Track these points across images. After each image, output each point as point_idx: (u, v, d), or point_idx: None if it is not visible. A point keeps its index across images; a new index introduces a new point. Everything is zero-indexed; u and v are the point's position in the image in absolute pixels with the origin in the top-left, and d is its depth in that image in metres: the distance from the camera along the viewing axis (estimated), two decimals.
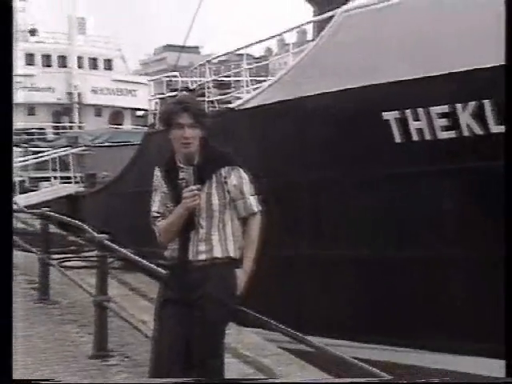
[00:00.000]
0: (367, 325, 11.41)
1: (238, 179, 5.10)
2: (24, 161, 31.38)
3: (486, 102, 9.83)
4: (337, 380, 6.14)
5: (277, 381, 5.10)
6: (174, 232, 5.09)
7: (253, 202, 5.17)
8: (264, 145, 12.60)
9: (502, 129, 9.75)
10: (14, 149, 34.88)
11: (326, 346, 4.79)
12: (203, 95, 18.05)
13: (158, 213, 5.18)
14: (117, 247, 8.32)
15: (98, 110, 42.76)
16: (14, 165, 30.94)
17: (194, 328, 5.00)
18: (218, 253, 5.07)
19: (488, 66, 9.55)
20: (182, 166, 5.07)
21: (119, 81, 43.94)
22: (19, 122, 40.27)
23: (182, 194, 4.97)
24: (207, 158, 5.09)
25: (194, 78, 20.57)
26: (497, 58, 9.49)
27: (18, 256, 14.17)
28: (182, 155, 5.07)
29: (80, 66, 43.16)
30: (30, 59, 43.10)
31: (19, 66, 42.61)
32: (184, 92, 19.55)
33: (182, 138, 5.00)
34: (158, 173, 5.24)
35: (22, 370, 7.86)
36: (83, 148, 29.37)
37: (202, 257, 5.04)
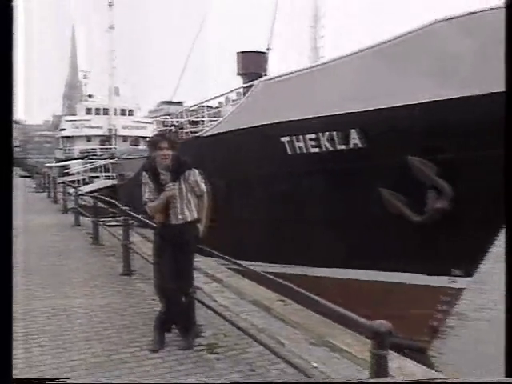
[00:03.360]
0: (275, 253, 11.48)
1: (194, 176, 5.11)
2: (85, 167, 31.93)
3: (335, 133, 9.93)
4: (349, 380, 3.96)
5: (280, 381, 4.45)
6: (159, 210, 5.07)
7: (203, 186, 5.17)
8: (216, 157, 12.53)
9: (343, 147, 9.84)
10: (80, 161, 34.39)
11: (248, 266, 4.76)
12: (183, 128, 17.98)
13: (147, 199, 5.12)
14: (135, 214, 8.24)
15: (125, 138, 42.15)
16: (79, 170, 30.81)
17: (177, 258, 5.02)
18: (189, 218, 5.08)
19: (339, 113, 9.65)
20: (161, 171, 5.07)
21: (137, 121, 43.53)
22: (81, 146, 39.93)
23: (164, 188, 5.00)
24: (177, 166, 5.07)
25: (178, 119, 20.45)
26: (341, 108, 9.57)
27: (82, 219, 13.85)
28: (162, 165, 5.05)
29: (115, 114, 42.72)
30: (88, 111, 42.96)
31: (82, 115, 42.45)
32: (172, 127, 19.45)
33: (162, 155, 5.01)
34: (145, 174, 5.16)
35: (83, 282, 7.80)
36: (117, 159, 29.40)
37: (181, 222, 5.06)
